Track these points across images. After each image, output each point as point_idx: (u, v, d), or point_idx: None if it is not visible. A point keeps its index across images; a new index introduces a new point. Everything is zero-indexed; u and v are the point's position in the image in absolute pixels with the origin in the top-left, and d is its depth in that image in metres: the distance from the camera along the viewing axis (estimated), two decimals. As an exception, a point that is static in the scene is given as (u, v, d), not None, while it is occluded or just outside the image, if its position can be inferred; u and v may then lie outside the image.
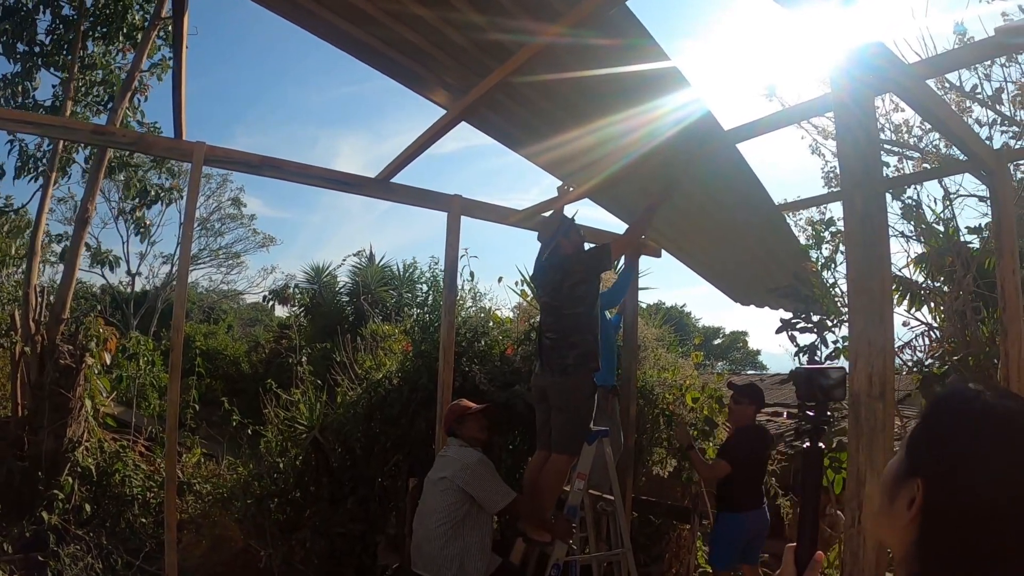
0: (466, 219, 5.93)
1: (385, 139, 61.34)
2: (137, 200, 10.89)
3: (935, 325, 6.08)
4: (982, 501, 1.08)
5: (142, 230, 12.15)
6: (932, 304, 6.23)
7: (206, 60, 49.92)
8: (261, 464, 7.13)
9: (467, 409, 5.06)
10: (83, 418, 7.68)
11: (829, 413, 2.47)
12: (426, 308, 8.65)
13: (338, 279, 21.06)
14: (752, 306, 7.27)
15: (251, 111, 58.64)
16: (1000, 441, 1.10)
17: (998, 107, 7.65)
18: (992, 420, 1.12)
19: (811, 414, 2.50)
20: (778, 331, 5.91)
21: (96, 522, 7.11)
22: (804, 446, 2.51)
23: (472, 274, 8.84)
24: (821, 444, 2.44)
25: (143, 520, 7.34)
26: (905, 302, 6.33)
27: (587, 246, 5.35)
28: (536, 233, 5.56)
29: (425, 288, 11.06)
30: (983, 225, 6.01)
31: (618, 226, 6.19)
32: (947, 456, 1.13)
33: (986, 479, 1.08)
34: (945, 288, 5.90)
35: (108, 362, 8.37)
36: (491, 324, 7.85)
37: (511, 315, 8.61)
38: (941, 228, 6.14)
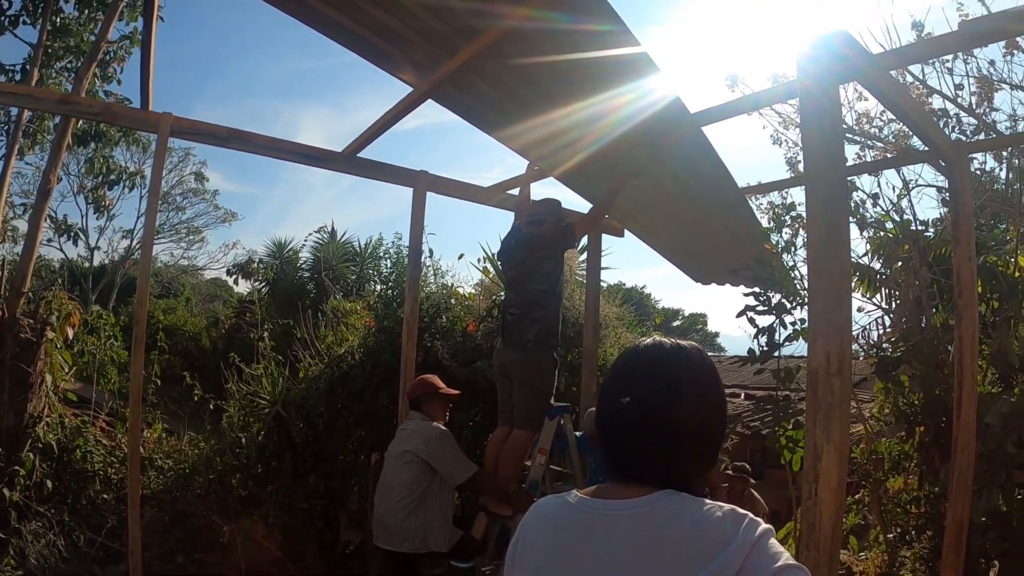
0: (432, 196, 5.96)
1: (348, 113, 60.96)
2: (100, 179, 10.71)
3: (891, 310, 6.21)
4: None
5: (102, 208, 11.94)
6: (888, 290, 6.36)
7: (163, 32, 49.06)
8: (223, 439, 7.11)
9: (439, 388, 5.10)
10: (44, 393, 7.58)
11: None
12: (389, 284, 8.65)
13: (300, 255, 20.97)
14: (713, 284, 7.35)
15: (210, 85, 57.92)
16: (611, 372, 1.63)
17: (958, 99, 7.80)
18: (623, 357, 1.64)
19: None
20: (739, 315, 6.00)
21: (58, 499, 7.02)
22: None
23: (431, 251, 8.89)
24: None
25: (105, 496, 7.27)
26: (861, 287, 6.46)
27: None
28: (508, 212, 5.60)
29: (389, 264, 11.04)
30: (939, 217, 6.14)
31: (582, 205, 6.24)
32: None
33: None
34: (901, 275, 6.02)
35: (71, 337, 8.26)
36: (453, 301, 7.89)
37: (473, 291, 8.66)
38: (897, 217, 6.26)
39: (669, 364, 1.53)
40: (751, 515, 1.34)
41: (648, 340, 1.62)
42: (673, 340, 1.62)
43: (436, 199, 6.09)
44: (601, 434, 1.55)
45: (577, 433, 5.68)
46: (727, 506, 1.36)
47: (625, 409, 1.50)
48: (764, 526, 1.33)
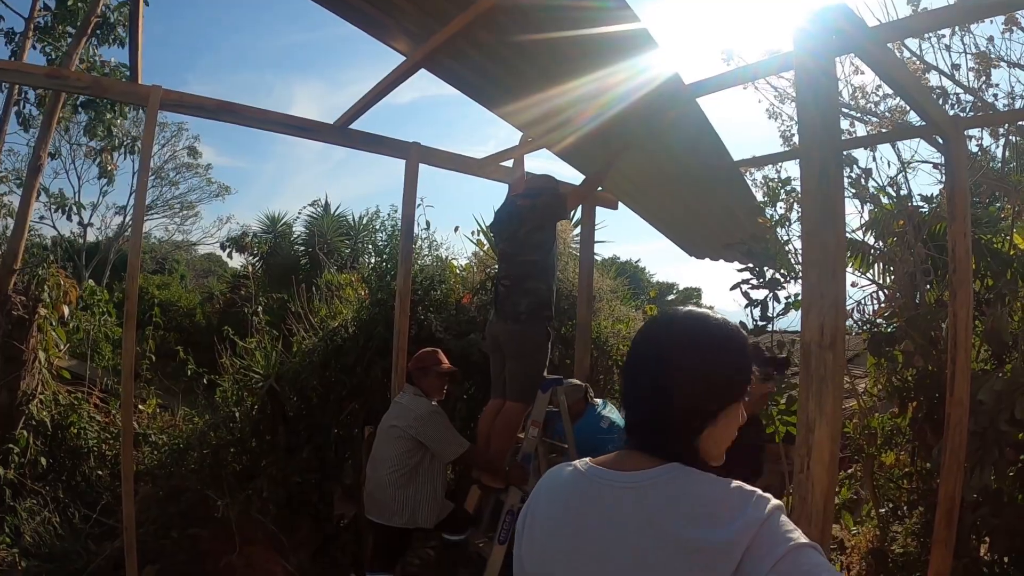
0: (422, 170, 5.93)
1: (341, 87, 60.84)
2: (105, 143, 10.61)
3: (885, 286, 6.20)
4: None
5: (108, 172, 11.81)
6: (881, 266, 6.35)
7: (155, 6, 48.71)
8: (217, 414, 7.11)
9: (438, 363, 5.09)
10: (37, 370, 7.56)
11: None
12: (384, 256, 8.62)
13: (294, 229, 20.94)
14: (707, 259, 7.33)
15: (201, 59, 57.64)
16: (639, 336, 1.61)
17: (955, 76, 7.76)
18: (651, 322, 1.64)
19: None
20: (732, 288, 5.99)
21: (52, 476, 7.03)
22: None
23: (428, 223, 8.87)
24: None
25: (99, 472, 7.27)
26: (854, 263, 6.45)
27: None
28: (502, 183, 5.58)
29: (384, 237, 11.00)
30: (934, 194, 6.12)
31: (576, 177, 6.22)
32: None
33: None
34: (896, 251, 6.01)
35: (66, 315, 8.23)
36: (447, 273, 7.88)
37: (469, 263, 8.65)
38: (893, 192, 6.24)
39: (663, 339, 1.53)
40: (759, 491, 1.32)
41: (670, 312, 1.59)
42: (679, 311, 1.59)
43: (432, 173, 6.08)
44: (622, 403, 1.59)
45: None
46: (735, 482, 1.35)
47: (633, 382, 1.53)
48: (773, 502, 1.30)
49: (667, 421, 1.45)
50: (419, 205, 6.20)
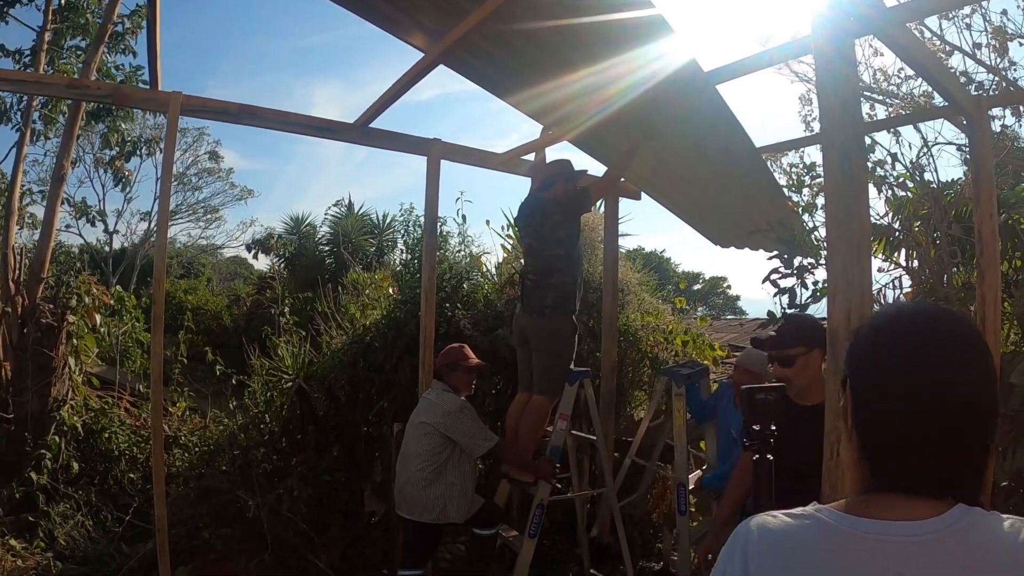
0: (451, 166, 5.94)
1: (360, 87, 61.03)
2: (117, 150, 10.70)
3: (912, 269, 6.15)
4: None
5: (123, 179, 11.91)
6: (907, 250, 6.30)
7: (172, 11, 49.14)
8: (246, 415, 7.16)
9: (465, 359, 5.09)
10: (67, 376, 7.65)
11: (773, 427, 2.54)
12: (416, 253, 8.64)
13: (318, 230, 21.07)
14: (732, 247, 7.29)
15: (221, 64, 58.02)
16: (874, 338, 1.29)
17: (977, 54, 7.68)
18: (893, 325, 1.28)
19: (756, 428, 2.59)
20: (764, 280, 5.97)
21: (84, 480, 7.12)
22: (754, 459, 2.58)
23: (464, 217, 8.89)
24: (770, 456, 2.53)
25: (131, 476, 7.35)
26: (879, 248, 6.40)
27: None
28: (525, 178, 5.58)
29: (419, 233, 11.03)
30: (958, 178, 6.06)
31: (598, 168, 6.20)
32: (857, 360, 1.29)
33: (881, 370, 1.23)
34: (921, 234, 5.96)
35: (98, 323, 8.32)
36: (474, 271, 7.89)
37: (502, 256, 8.64)
38: (917, 176, 6.19)
39: (955, 344, 1.22)
40: None
41: (910, 309, 1.36)
42: (936, 307, 1.36)
43: (458, 168, 6.09)
44: (881, 435, 1.21)
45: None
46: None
47: (936, 406, 1.16)
48: None
49: (968, 450, 1.18)
50: (457, 199, 6.19)
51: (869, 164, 6.15)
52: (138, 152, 10.91)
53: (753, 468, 2.57)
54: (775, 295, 5.84)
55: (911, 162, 6.37)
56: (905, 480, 1.16)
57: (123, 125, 10.25)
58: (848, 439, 1.26)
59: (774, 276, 5.84)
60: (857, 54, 3.14)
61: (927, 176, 6.14)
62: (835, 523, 1.16)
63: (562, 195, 5.28)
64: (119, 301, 9.96)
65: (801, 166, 7.41)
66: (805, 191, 5.98)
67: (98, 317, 8.23)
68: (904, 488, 1.16)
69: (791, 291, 5.75)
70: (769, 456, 2.53)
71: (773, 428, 2.54)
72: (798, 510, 1.22)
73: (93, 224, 15.01)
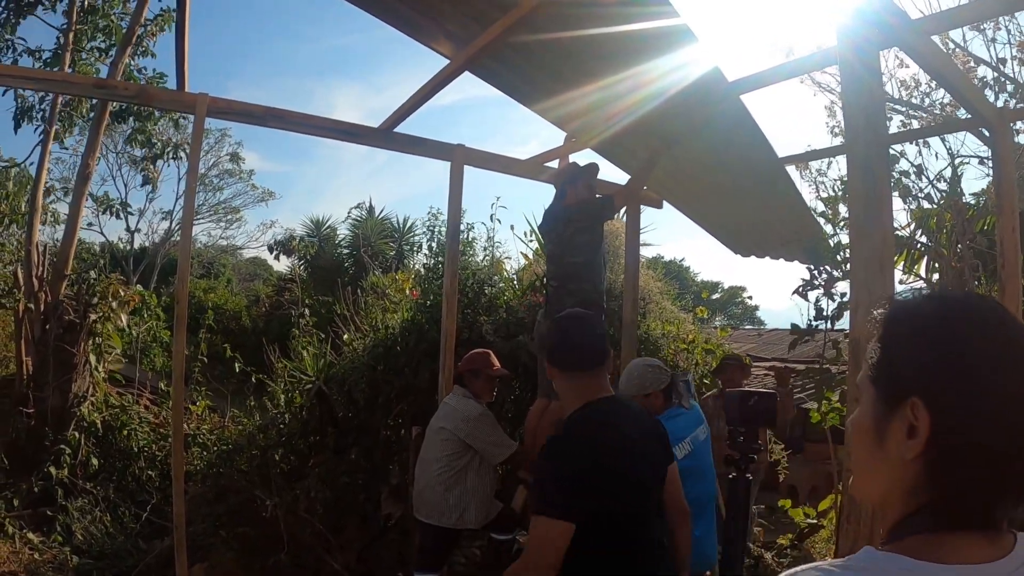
0: (469, 171, 5.94)
1: (381, 91, 60.84)
2: (145, 150, 10.80)
3: (933, 281, 6.13)
4: (1002, 402, 0.91)
5: (150, 180, 12.02)
6: (928, 262, 6.28)
7: (195, 13, 49.16)
8: (265, 415, 7.19)
9: (490, 367, 5.08)
10: (88, 373, 7.72)
11: (759, 442, 2.54)
12: (439, 258, 8.67)
13: (338, 232, 21.15)
14: (752, 256, 7.26)
15: (243, 67, 58.00)
16: (996, 334, 0.95)
17: (1002, 67, 7.65)
18: (979, 317, 0.97)
19: (741, 440, 2.57)
20: (794, 292, 5.97)
21: (103, 476, 7.20)
22: (731, 476, 2.57)
23: (499, 221, 8.91)
24: (749, 475, 2.51)
25: (150, 473, 7.43)
26: (901, 260, 6.38)
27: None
28: (551, 184, 5.61)
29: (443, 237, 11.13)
30: (981, 191, 6.04)
31: (620, 176, 6.21)
32: (946, 365, 0.95)
33: (996, 379, 0.92)
34: (944, 247, 5.94)
35: (124, 323, 8.39)
36: (496, 278, 7.89)
37: (528, 261, 8.65)
38: (943, 187, 6.17)
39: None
40: None
41: (960, 297, 1.07)
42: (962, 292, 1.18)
43: (481, 172, 6.08)
44: (978, 468, 0.93)
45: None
46: None
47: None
48: None
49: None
50: (492, 204, 6.19)
51: (894, 175, 6.13)
52: (165, 155, 11.01)
53: (730, 488, 2.55)
54: (804, 298, 5.84)
55: (935, 174, 6.35)
56: (983, 518, 0.95)
57: (151, 127, 10.33)
58: (891, 467, 1.00)
59: (803, 288, 5.84)
60: (881, 65, 3.14)
61: (949, 188, 6.11)
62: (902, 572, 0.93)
63: (575, 201, 5.28)
64: (141, 300, 10.05)
65: (837, 181, 7.38)
66: (842, 205, 5.95)
67: (124, 317, 8.30)
68: (980, 525, 0.95)
69: (817, 303, 5.76)
70: (748, 476, 2.53)
71: (759, 443, 2.53)
72: (854, 561, 0.97)
73: (118, 217, 15.10)
